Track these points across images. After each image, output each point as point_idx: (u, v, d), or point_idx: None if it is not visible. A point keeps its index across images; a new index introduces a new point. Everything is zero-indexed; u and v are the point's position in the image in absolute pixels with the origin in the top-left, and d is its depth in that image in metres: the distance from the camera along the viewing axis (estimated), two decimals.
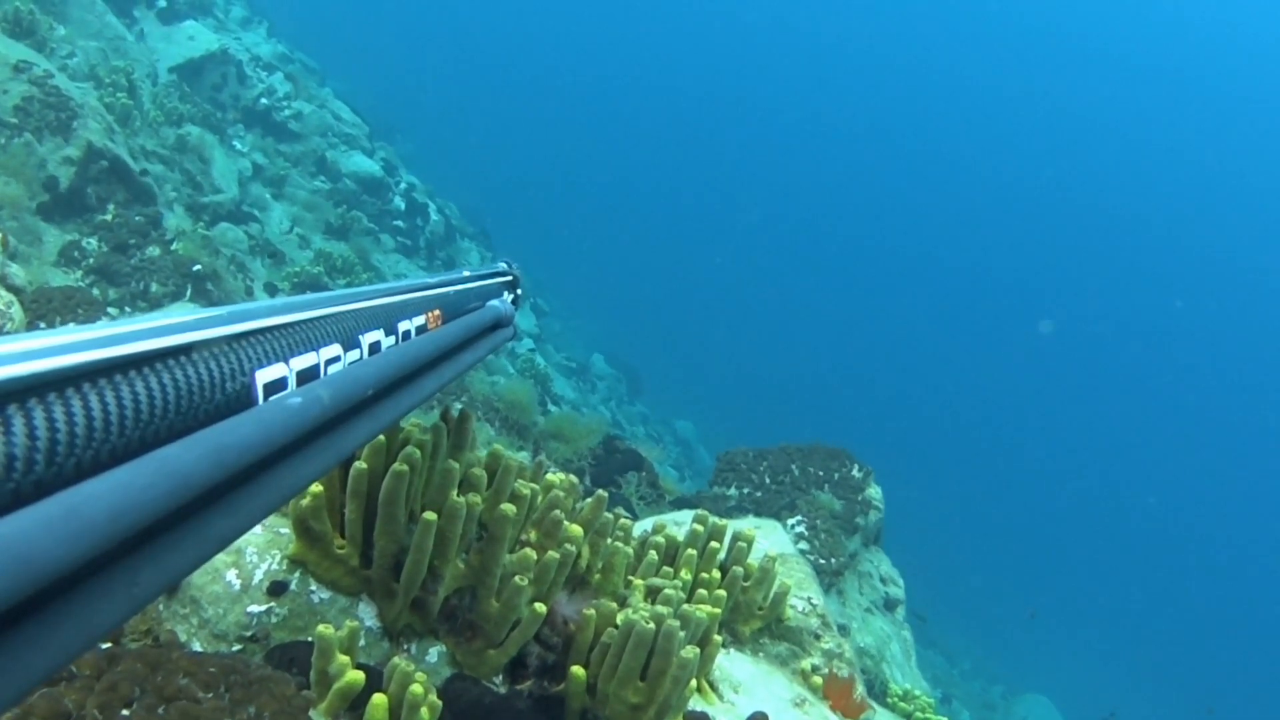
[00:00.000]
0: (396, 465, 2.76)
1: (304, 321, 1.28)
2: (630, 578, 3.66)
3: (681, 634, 3.02)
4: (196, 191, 13.58)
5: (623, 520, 3.88)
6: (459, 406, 3.08)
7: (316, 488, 2.87)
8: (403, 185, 20.64)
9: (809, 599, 4.47)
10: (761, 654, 4.17)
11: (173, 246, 10.63)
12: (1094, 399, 68.20)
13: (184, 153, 14.07)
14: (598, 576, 3.51)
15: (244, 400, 1.05)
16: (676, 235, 67.82)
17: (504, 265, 2.74)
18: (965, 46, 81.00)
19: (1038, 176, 78.39)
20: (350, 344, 1.40)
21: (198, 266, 10.45)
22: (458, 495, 2.84)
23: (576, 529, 3.26)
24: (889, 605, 10.01)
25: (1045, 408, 66.58)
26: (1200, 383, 70.53)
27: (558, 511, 3.17)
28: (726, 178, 78.78)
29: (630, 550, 3.63)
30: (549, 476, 3.45)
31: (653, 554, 3.77)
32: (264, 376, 1.11)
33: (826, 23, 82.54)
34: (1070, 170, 77.51)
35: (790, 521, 9.29)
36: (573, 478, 3.56)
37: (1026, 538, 47.99)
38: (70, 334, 0.80)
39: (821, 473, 10.44)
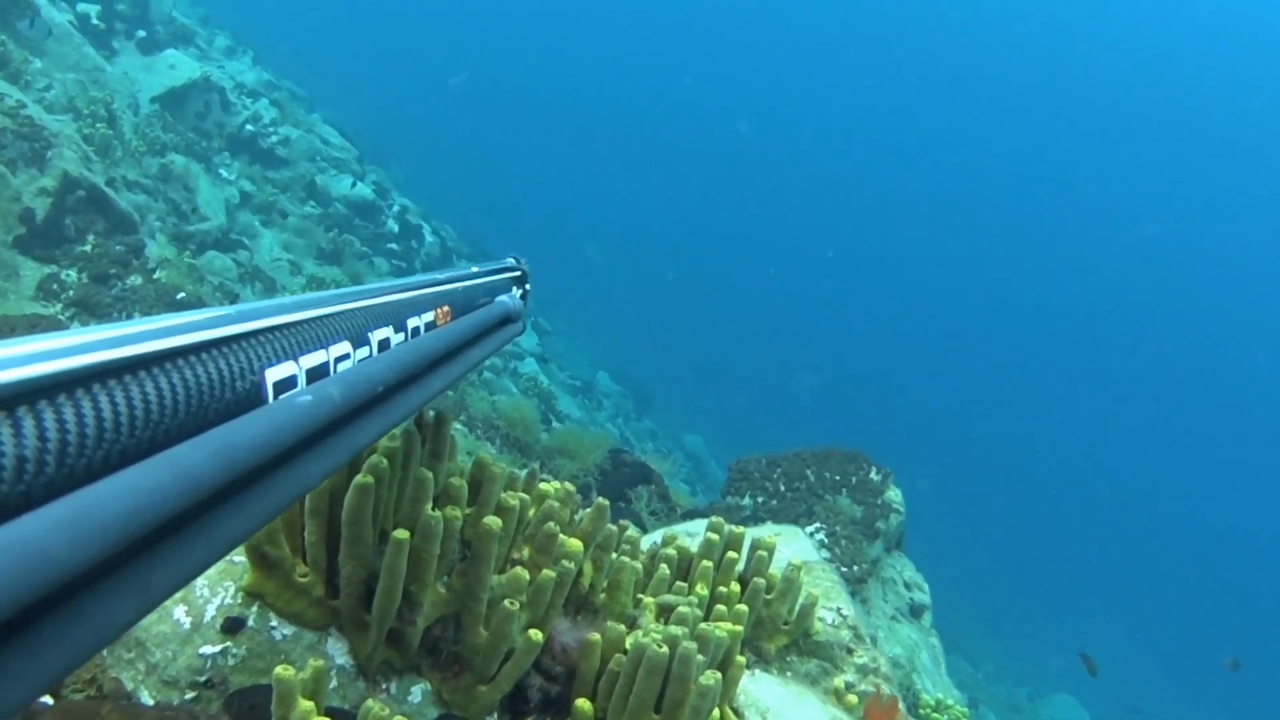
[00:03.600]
0: (360, 477, 2.37)
1: (313, 319, 1.28)
2: (640, 595, 3.26)
3: (700, 657, 2.62)
4: (182, 220, 13.28)
5: (629, 532, 3.49)
6: (433, 411, 2.68)
7: None
8: (395, 208, 20.41)
9: (838, 609, 4.07)
10: (790, 673, 3.76)
11: (155, 275, 10.35)
12: (1113, 390, 68.11)
13: (168, 181, 13.76)
14: (603, 596, 3.12)
15: (254, 399, 1.06)
16: (677, 249, 67.43)
17: (512, 260, 2.70)
18: (965, 50, 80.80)
19: (1047, 167, 78.16)
20: (360, 341, 1.41)
21: (182, 294, 10.16)
22: (434, 509, 2.45)
23: (575, 543, 2.86)
24: (915, 612, 9.61)
25: (1063, 401, 66.48)
26: (1225, 373, 70.14)
27: (552, 524, 2.76)
28: (724, 186, 78.65)
29: (638, 565, 3.24)
30: (542, 485, 3.07)
31: (664, 568, 3.36)
32: (274, 375, 1.12)
33: (823, 29, 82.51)
34: (1083, 161, 77.29)
35: (809, 529, 8.92)
36: (569, 485, 3.17)
37: (1046, 534, 47.60)
38: (80, 335, 0.81)
39: (838, 477, 10.07)
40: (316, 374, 1.23)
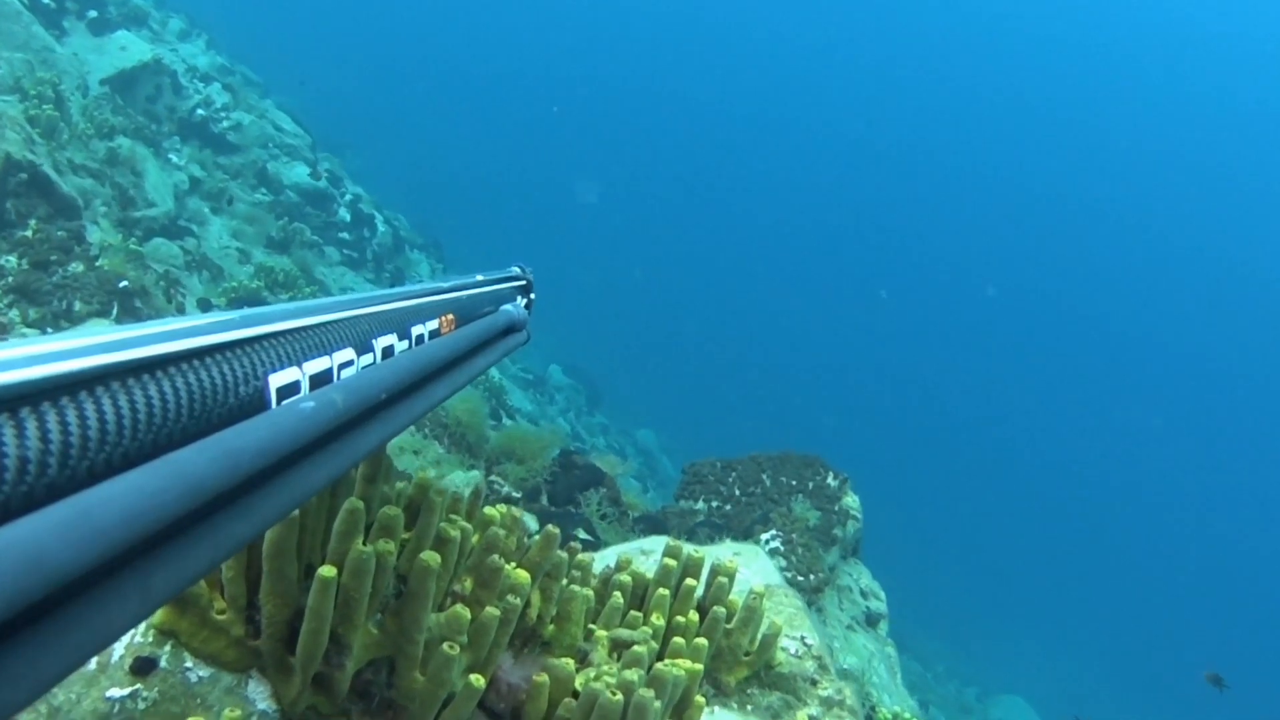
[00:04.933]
0: None
1: (317, 325, 1.28)
2: (591, 626, 3.04)
3: (656, 704, 2.41)
4: (128, 206, 12.93)
5: (580, 556, 3.26)
6: None
7: None
8: (348, 196, 20.08)
9: (802, 638, 3.86)
10: (750, 706, 3.53)
11: (98, 262, 10.06)
12: (1060, 393, 68.52)
13: (115, 166, 13.42)
14: (551, 628, 2.89)
15: (257, 404, 1.06)
16: (629, 243, 67.12)
17: (517, 270, 2.69)
18: (933, 49, 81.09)
19: (999, 167, 78.68)
20: (363, 348, 1.40)
21: (124, 282, 9.87)
22: (365, 544, 2.21)
23: (522, 575, 2.62)
24: (871, 620, 9.45)
25: (1011, 404, 66.82)
26: (1176, 371, 71.00)
27: (496, 557, 2.53)
28: (679, 181, 78.44)
29: (590, 593, 3.02)
30: (487, 510, 2.84)
31: (617, 596, 3.13)
32: (277, 380, 1.12)
33: (782, 26, 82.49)
34: (1033, 159, 77.87)
35: (764, 536, 8.74)
36: (515, 512, 2.94)
37: (996, 535, 47.83)
38: (82, 338, 0.80)
39: (795, 482, 9.89)
40: (320, 380, 1.23)
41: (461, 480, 8.25)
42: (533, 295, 2.74)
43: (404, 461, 7.92)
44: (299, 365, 1.18)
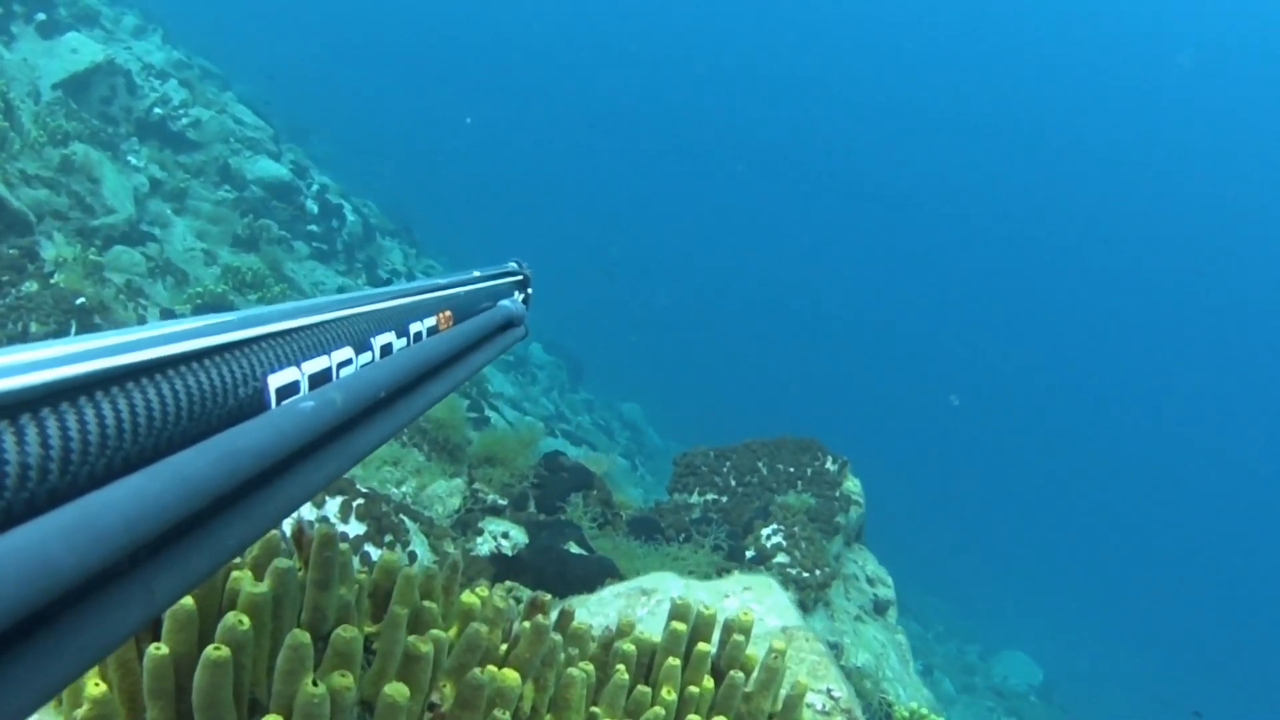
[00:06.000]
0: (212, 650, 1.74)
1: (315, 325, 1.26)
2: (593, 710, 2.65)
3: None
4: (87, 214, 12.51)
5: (575, 626, 2.88)
6: (319, 522, 2.10)
7: (95, 689, 1.83)
8: (315, 187, 19.63)
9: (828, 691, 3.48)
10: None
11: (53, 279, 9.68)
12: (1053, 360, 69.11)
13: (70, 174, 12.98)
14: (548, 718, 2.52)
15: (256, 405, 1.05)
16: (607, 217, 66.67)
17: (514, 265, 2.68)
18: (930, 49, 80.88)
19: (996, 156, 78.69)
20: (362, 346, 1.39)
21: (81, 299, 9.52)
22: (316, 683, 1.81)
23: (510, 677, 2.24)
24: (879, 608, 9.13)
25: (1003, 374, 67.24)
26: (1172, 357, 71.50)
27: (477, 672, 2.13)
28: (658, 154, 78.07)
29: (590, 669, 2.65)
30: (465, 599, 2.44)
31: (621, 671, 2.75)
32: (276, 381, 1.10)
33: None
34: (1030, 152, 78.01)
35: (765, 531, 8.38)
36: (498, 602, 2.53)
37: (990, 495, 47.97)
38: (81, 343, 0.80)
39: (793, 469, 9.55)
40: (319, 379, 1.22)
41: (444, 490, 7.88)
42: (530, 290, 2.75)
43: (381, 474, 7.53)
44: (298, 365, 1.16)
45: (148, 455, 0.82)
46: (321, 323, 1.27)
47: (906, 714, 7.33)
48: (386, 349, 1.48)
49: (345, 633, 1.92)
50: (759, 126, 79.78)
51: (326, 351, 1.26)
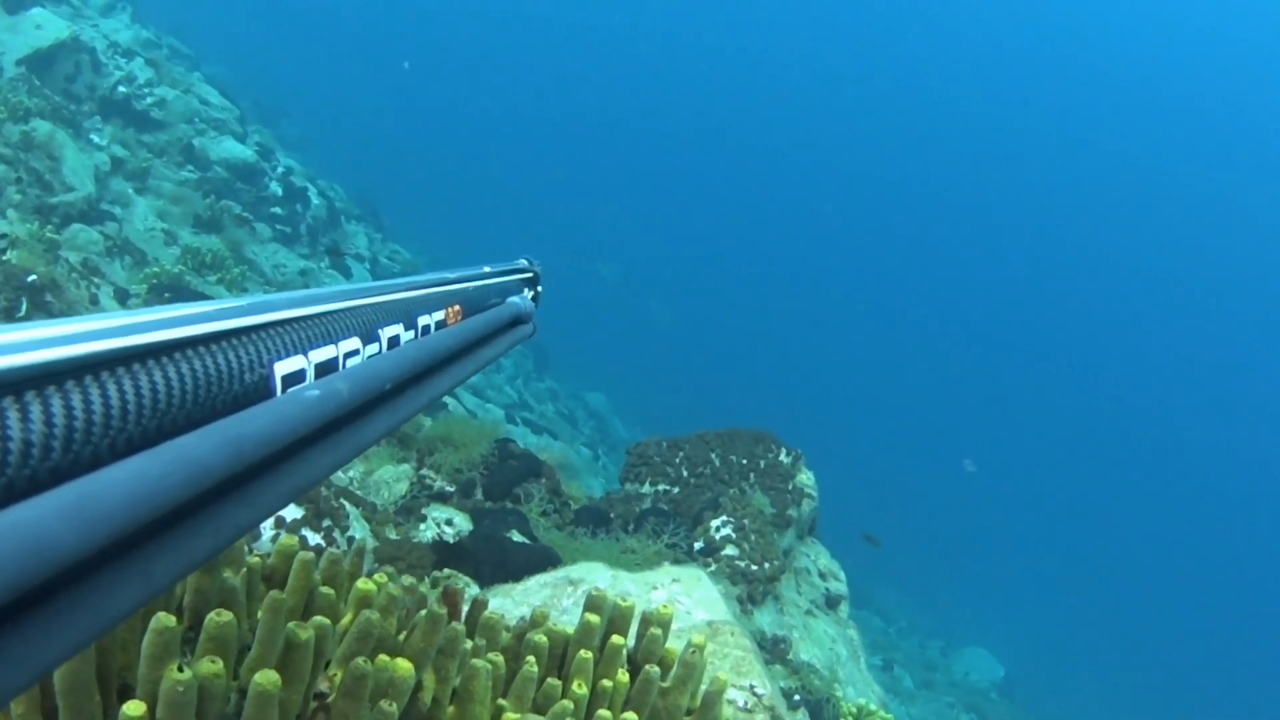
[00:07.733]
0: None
1: (324, 314, 1.26)
2: (501, 703, 2.60)
3: None
4: (45, 191, 12.40)
5: (487, 615, 2.82)
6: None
7: None
8: (280, 169, 19.52)
9: (751, 687, 3.42)
10: None
11: (5, 256, 9.58)
12: (1013, 359, 69.47)
13: (30, 150, 12.87)
14: (451, 710, 2.46)
15: (262, 392, 1.05)
16: (571, 208, 66.51)
17: (524, 261, 2.63)
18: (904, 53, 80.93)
19: (954, 142, 78.94)
20: (369, 338, 1.39)
21: (33, 277, 9.40)
22: (182, 669, 1.74)
23: (404, 667, 2.18)
24: (831, 603, 9.11)
25: (963, 367, 67.47)
26: (1129, 348, 71.83)
27: (360, 661, 2.07)
28: (627, 143, 77.95)
29: (499, 661, 2.59)
30: (360, 585, 2.38)
31: (531, 662, 2.70)
32: (282, 368, 1.10)
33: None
34: (999, 144, 78.28)
35: (715, 523, 8.33)
36: (392, 589, 2.46)
37: (951, 491, 48.07)
38: (88, 322, 0.80)
39: (745, 461, 9.51)
40: (325, 369, 1.21)
41: (391, 475, 7.81)
42: (540, 288, 2.68)
43: None
44: (305, 354, 1.16)
45: (151, 437, 0.83)
46: (330, 312, 1.28)
47: (854, 710, 7.31)
48: (394, 341, 1.48)
49: (219, 617, 1.86)
50: (731, 116, 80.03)
51: (334, 341, 1.26)
